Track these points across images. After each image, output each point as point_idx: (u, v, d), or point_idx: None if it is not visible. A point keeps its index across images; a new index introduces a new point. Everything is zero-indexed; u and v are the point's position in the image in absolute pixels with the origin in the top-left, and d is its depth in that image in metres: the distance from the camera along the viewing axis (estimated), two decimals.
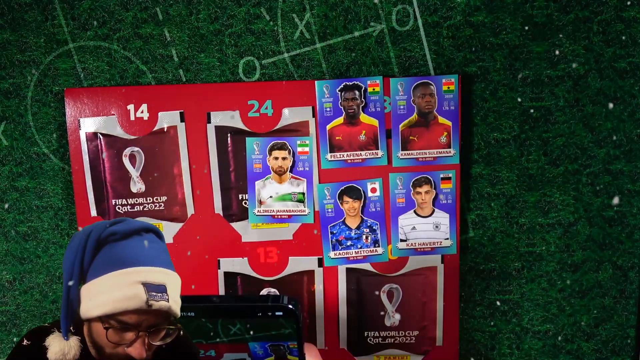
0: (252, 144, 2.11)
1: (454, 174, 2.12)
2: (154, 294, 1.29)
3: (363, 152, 2.12)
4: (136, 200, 2.13)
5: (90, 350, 1.38)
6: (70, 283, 1.32)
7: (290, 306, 1.49)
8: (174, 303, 1.34)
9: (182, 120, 2.11)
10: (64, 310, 1.33)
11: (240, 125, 2.11)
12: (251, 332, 1.57)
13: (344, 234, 2.15)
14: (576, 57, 2.08)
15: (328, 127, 2.11)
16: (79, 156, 2.11)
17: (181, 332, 1.55)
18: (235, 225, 2.15)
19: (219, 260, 2.16)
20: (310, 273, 2.18)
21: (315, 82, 2.08)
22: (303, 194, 2.14)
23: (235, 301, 1.62)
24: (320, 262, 2.17)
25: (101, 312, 1.29)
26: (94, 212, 2.13)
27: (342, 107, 2.10)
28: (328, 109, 2.10)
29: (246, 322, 1.58)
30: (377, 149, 2.11)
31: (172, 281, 1.35)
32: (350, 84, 2.08)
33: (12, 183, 2.16)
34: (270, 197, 2.14)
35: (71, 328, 1.36)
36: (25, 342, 1.39)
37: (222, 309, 1.53)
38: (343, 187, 2.13)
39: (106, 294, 1.29)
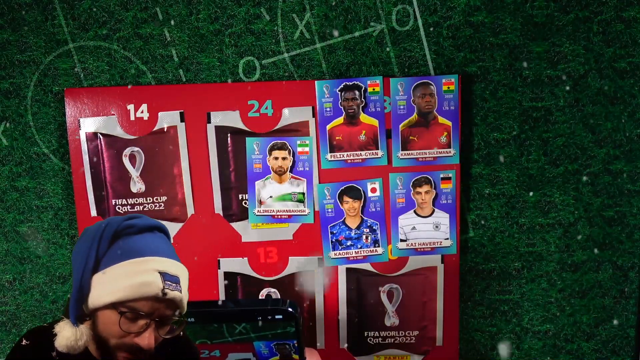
0: (252, 144, 2.11)
1: (454, 174, 2.11)
2: (170, 283, 1.31)
3: (363, 152, 2.12)
4: (136, 200, 2.13)
5: (89, 347, 1.37)
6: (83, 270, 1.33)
7: (289, 309, 1.50)
8: (186, 296, 1.37)
9: (182, 120, 2.11)
10: (74, 297, 1.33)
11: (240, 125, 2.11)
12: (256, 332, 1.57)
13: (344, 234, 2.15)
14: (576, 57, 2.08)
15: (328, 127, 2.11)
16: (79, 156, 2.11)
17: (181, 333, 1.55)
18: (235, 225, 2.15)
19: (219, 260, 2.16)
20: (310, 273, 2.17)
21: (315, 82, 2.08)
22: (303, 194, 2.14)
23: (234, 306, 1.62)
24: (321, 262, 2.17)
25: (115, 298, 1.29)
26: (94, 212, 2.13)
27: (342, 107, 2.10)
28: (328, 109, 2.10)
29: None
30: (377, 149, 2.11)
31: (184, 275, 1.38)
32: (350, 84, 2.08)
33: (12, 183, 2.16)
34: (270, 197, 2.14)
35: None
36: (24, 342, 1.39)
37: (222, 314, 1.53)
38: (343, 187, 2.13)
39: (122, 280, 1.29)
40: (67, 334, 1.33)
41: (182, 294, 1.34)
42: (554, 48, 2.08)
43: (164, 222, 2.11)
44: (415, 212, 2.15)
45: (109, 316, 1.31)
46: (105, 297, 1.30)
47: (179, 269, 1.37)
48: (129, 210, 2.13)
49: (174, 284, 1.32)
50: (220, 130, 2.11)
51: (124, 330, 1.30)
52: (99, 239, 1.34)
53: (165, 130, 2.11)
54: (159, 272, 1.31)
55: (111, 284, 1.30)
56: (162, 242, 1.39)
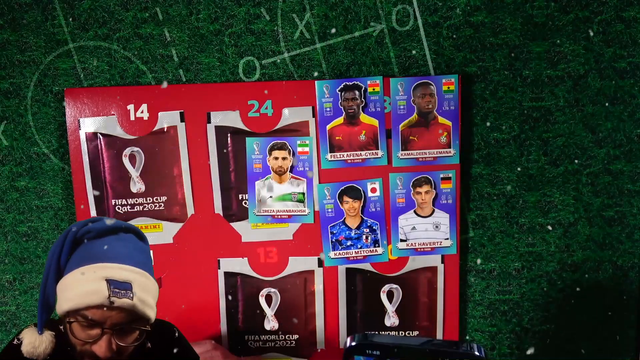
0: (252, 144, 2.11)
1: (454, 174, 2.12)
2: (117, 290, 1.27)
3: (363, 152, 2.12)
4: (136, 200, 2.13)
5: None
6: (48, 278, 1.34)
7: (481, 354, 1.49)
8: (141, 302, 1.31)
9: (182, 120, 2.11)
10: (40, 305, 1.34)
11: (240, 125, 2.11)
12: None
13: (344, 234, 2.15)
14: (576, 57, 2.08)
15: (328, 127, 2.11)
16: (79, 156, 2.11)
17: (176, 334, 1.54)
18: (235, 225, 2.15)
19: (219, 260, 2.16)
20: (310, 273, 2.18)
21: (315, 82, 2.08)
22: (303, 194, 2.14)
23: (422, 344, 1.59)
24: (320, 262, 2.17)
25: (68, 307, 1.29)
26: (93, 212, 2.12)
27: (342, 107, 2.10)
28: (328, 109, 2.10)
29: None
30: (377, 149, 2.11)
31: (140, 281, 1.33)
32: (350, 84, 2.08)
33: (12, 183, 2.16)
34: (270, 197, 2.14)
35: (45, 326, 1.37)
36: (16, 340, 1.40)
37: (408, 350, 1.51)
38: (343, 187, 2.13)
39: (72, 289, 1.29)
40: (26, 341, 1.34)
41: (135, 301, 1.29)
42: (554, 48, 2.08)
43: (164, 222, 2.15)
44: (415, 212, 2.15)
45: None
46: (61, 305, 1.31)
47: (133, 275, 1.31)
48: (129, 210, 2.13)
49: (122, 291, 1.27)
50: (220, 130, 2.11)
51: (77, 339, 1.29)
52: (61, 246, 1.33)
53: (165, 130, 2.11)
54: (106, 280, 1.27)
55: (65, 293, 1.30)
56: (121, 245, 1.35)
